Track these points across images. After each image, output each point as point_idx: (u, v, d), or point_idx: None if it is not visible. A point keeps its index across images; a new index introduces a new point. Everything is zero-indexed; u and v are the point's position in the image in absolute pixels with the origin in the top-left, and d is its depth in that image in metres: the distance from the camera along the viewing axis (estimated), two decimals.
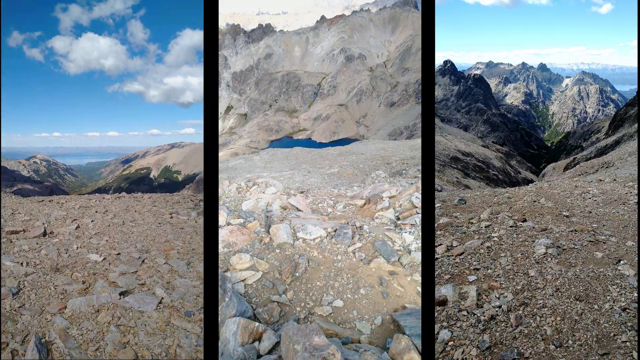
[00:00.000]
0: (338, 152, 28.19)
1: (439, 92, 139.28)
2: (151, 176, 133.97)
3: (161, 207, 9.50)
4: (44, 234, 6.22)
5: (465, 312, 3.98)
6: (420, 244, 5.44)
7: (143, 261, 5.46)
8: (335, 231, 5.70)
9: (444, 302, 4.16)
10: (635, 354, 3.22)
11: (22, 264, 4.83)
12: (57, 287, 4.31)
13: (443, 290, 4.28)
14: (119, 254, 5.67)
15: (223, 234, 5.36)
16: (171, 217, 8.51)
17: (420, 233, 5.69)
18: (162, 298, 4.34)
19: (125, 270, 5.05)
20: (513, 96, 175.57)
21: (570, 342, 3.42)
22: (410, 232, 5.82)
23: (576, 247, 5.11)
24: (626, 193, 7.70)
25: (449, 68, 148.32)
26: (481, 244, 5.41)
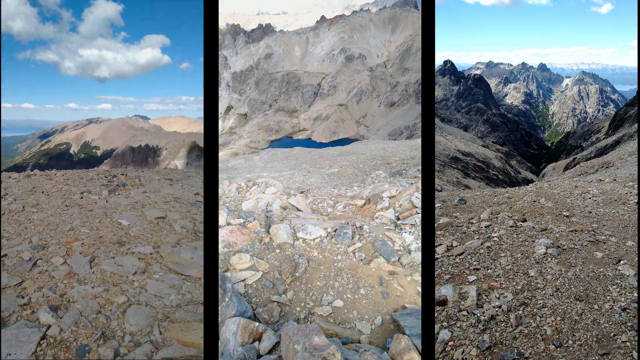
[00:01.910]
0: (338, 152, 28.20)
1: (439, 92, 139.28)
2: (71, 152, 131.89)
3: (73, 186, 8.44)
4: None
5: (465, 312, 3.98)
6: (420, 244, 5.44)
7: (35, 264, 4.38)
8: (335, 231, 5.70)
9: (444, 302, 4.16)
10: (635, 354, 3.22)
11: None
12: None
13: (443, 290, 4.28)
14: (4, 255, 4.49)
15: (223, 234, 5.36)
16: (81, 197, 7.48)
17: (420, 233, 5.69)
18: (49, 327, 3.32)
19: (6, 282, 3.89)
20: (513, 96, 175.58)
21: (570, 342, 3.42)
22: (410, 232, 5.82)
23: (576, 247, 5.11)
24: (626, 193, 7.70)
25: (449, 68, 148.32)
26: (481, 244, 5.42)
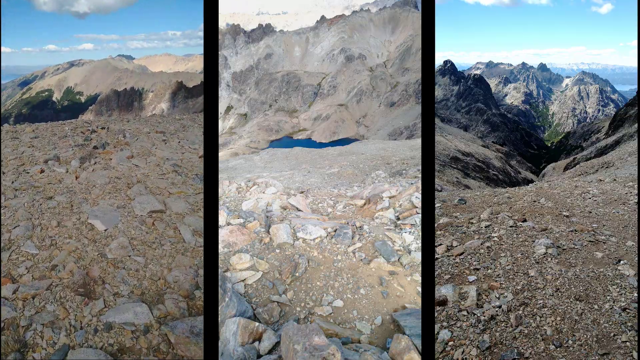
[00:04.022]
0: (338, 152, 28.19)
1: (439, 92, 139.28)
2: (53, 99, 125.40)
3: (38, 149, 6.38)
4: None
5: (465, 312, 3.98)
6: (420, 244, 5.44)
7: None
8: (335, 231, 5.70)
9: (444, 302, 4.16)
10: (635, 354, 3.22)
11: None
12: None
13: (443, 290, 4.28)
14: None
15: (223, 234, 5.36)
16: (41, 171, 5.62)
17: (420, 233, 5.69)
18: None
19: None
20: (513, 96, 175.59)
21: (570, 342, 3.42)
22: (410, 232, 5.82)
23: (576, 247, 5.11)
24: (626, 193, 7.69)
25: (449, 68, 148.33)
26: (481, 244, 5.41)
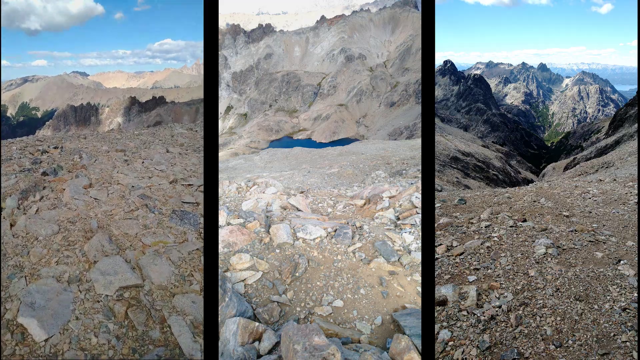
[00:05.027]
0: (338, 152, 28.19)
1: (439, 92, 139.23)
2: (8, 114, 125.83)
3: None
4: None
5: (465, 312, 3.98)
6: (420, 244, 5.44)
7: None
8: (335, 231, 5.70)
9: (444, 302, 4.16)
10: (635, 354, 3.22)
11: None
12: None
13: (443, 290, 4.28)
14: None
15: (223, 234, 5.36)
16: None
17: (420, 233, 5.69)
18: None
19: None
20: (513, 96, 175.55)
21: (570, 342, 3.42)
22: (410, 232, 5.82)
23: (576, 247, 5.11)
24: (626, 193, 7.69)
25: (449, 68, 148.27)
26: (481, 244, 5.41)
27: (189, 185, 6.34)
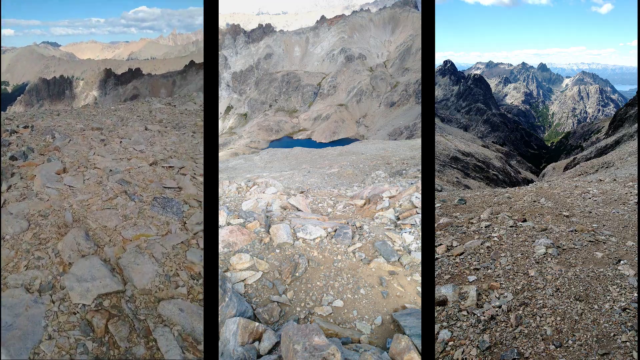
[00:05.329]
0: (338, 152, 28.20)
1: (439, 92, 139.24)
2: None
3: None
4: None
5: (465, 312, 3.98)
6: (420, 244, 5.44)
7: None
8: (335, 231, 5.70)
9: (444, 302, 4.16)
10: (635, 354, 3.22)
11: None
12: None
13: (443, 290, 4.28)
14: None
15: (223, 234, 5.36)
16: None
17: (420, 233, 5.69)
18: None
19: None
20: (513, 96, 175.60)
21: (570, 342, 3.42)
22: (410, 232, 5.82)
23: (576, 247, 5.11)
24: (626, 193, 7.69)
25: (449, 68, 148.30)
26: (481, 244, 5.42)
27: (170, 167, 5.81)
